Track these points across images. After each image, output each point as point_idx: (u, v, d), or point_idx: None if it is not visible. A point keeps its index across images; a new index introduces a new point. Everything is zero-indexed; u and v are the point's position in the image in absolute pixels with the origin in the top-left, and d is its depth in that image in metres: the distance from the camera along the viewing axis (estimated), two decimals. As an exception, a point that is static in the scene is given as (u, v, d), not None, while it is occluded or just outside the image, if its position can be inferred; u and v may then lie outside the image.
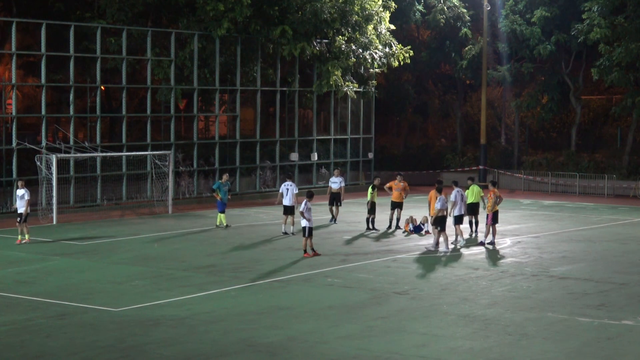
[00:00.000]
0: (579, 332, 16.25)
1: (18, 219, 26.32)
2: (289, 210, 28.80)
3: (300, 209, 24.38)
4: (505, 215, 35.26)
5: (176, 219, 33.33)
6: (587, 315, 17.60)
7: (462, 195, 27.07)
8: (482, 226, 28.20)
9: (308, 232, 24.29)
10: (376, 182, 31.15)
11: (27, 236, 26.29)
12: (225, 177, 31.08)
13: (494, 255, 25.16)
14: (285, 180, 29.73)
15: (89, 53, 36.73)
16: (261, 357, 14.42)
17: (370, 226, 30.10)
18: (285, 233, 28.61)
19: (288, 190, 28.87)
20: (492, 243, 26.66)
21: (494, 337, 15.79)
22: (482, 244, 26.72)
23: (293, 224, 28.61)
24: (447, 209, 25.82)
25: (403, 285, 20.45)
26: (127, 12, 38.16)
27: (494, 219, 26.51)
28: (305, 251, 24.41)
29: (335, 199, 31.78)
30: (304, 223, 24.25)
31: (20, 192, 26.34)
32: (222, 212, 30.23)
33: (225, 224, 30.13)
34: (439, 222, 25.49)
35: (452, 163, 51.54)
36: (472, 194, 28.06)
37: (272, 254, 24.84)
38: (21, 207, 26.17)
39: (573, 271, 22.67)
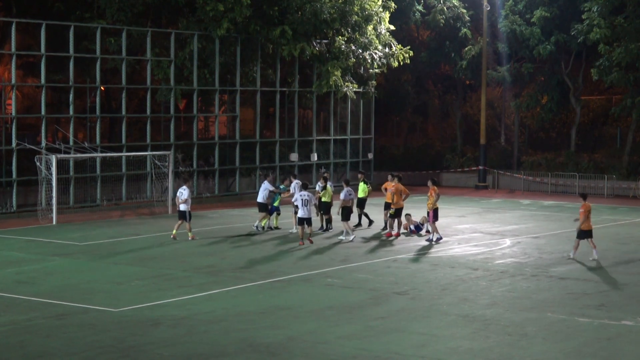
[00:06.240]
0: (578, 332, 16.26)
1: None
2: (262, 208, 29.45)
3: (293, 199, 26.90)
4: (505, 216, 35.33)
5: (176, 219, 33.25)
6: (587, 315, 17.60)
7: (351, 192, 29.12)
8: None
9: (299, 221, 26.47)
10: (321, 182, 30.19)
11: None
12: (287, 182, 30.56)
13: (493, 256, 25.17)
14: (264, 180, 30.33)
15: (89, 53, 36.71)
16: (261, 357, 14.43)
17: (324, 226, 29.69)
18: (257, 227, 29.44)
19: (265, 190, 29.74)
20: (437, 240, 27.24)
21: (494, 337, 15.79)
22: (429, 240, 27.44)
23: (267, 219, 29.61)
24: (351, 200, 28.55)
25: (403, 285, 20.46)
26: (127, 12, 38.09)
27: (434, 216, 27.30)
28: (301, 240, 26.32)
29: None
30: (299, 214, 26.34)
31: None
32: (272, 213, 29.85)
33: (276, 226, 30.00)
34: (345, 213, 27.95)
35: (452, 163, 51.51)
36: (362, 189, 30.58)
37: (273, 254, 24.86)
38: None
39: (573, 271, 22.68)
